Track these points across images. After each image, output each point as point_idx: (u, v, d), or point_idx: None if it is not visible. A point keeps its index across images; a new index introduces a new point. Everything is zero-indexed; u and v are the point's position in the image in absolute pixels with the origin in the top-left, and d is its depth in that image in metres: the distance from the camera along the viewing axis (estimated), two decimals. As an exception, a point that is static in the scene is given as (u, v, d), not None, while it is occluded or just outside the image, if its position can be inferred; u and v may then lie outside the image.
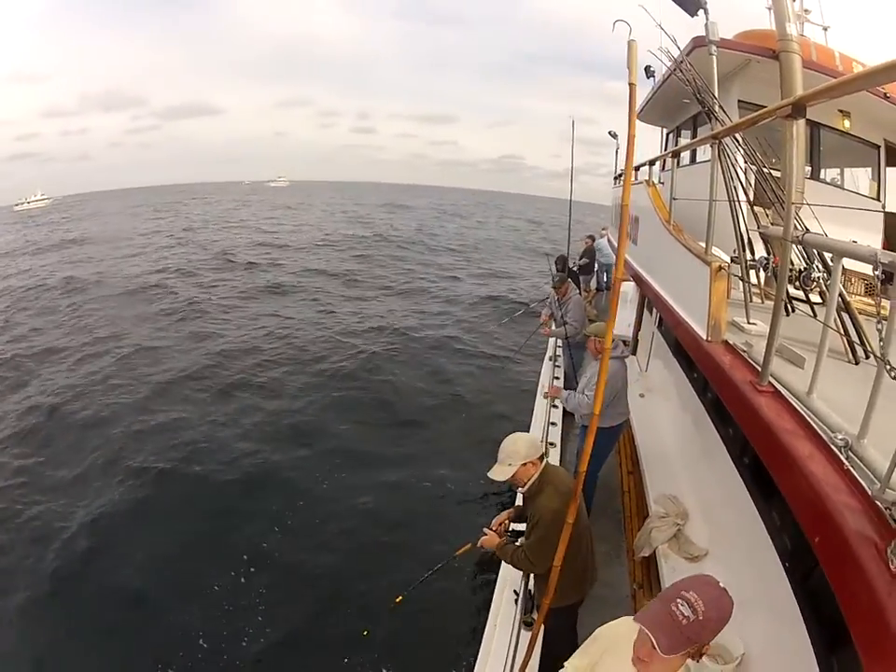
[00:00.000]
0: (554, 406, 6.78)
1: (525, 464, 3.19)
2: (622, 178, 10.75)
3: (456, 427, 9.62)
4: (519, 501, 3.93)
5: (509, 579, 4.16)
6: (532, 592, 3.79)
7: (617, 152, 13.69)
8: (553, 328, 7.68)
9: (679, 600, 1.64)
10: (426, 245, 34.72)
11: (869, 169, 6.33)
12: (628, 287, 10.45)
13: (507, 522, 3.71)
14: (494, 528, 3.61)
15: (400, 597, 4.10)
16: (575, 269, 12.74)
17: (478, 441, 8.56)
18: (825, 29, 6.17)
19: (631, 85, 2.37)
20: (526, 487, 3.26)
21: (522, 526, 3.51)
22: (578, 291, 8.05)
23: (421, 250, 32.88)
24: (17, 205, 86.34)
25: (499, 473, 3.21)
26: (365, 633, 4.66)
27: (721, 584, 1.71)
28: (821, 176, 6.01)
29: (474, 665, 3.60)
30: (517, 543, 3.46)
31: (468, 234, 44.17)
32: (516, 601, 3.85)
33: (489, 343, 14.53)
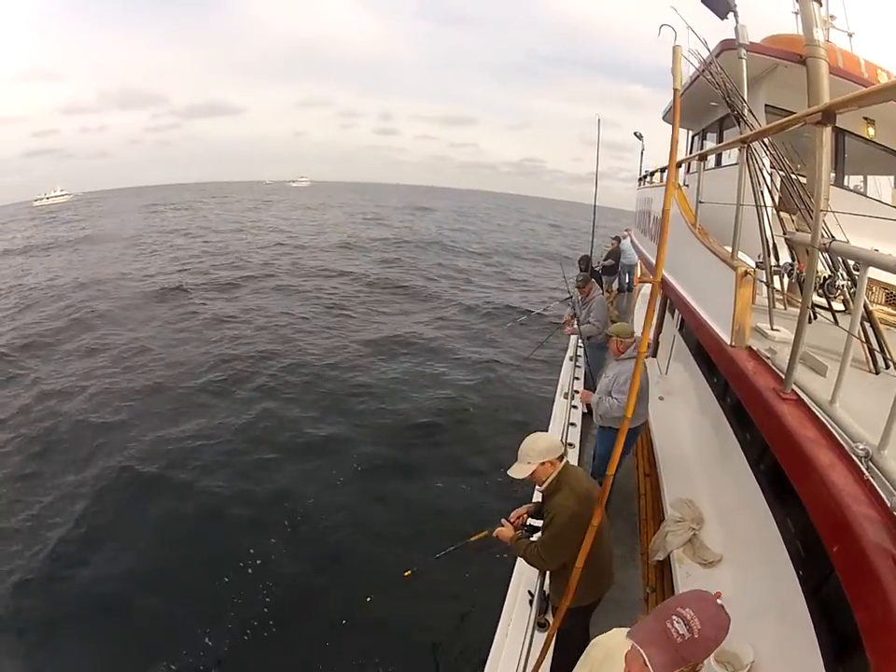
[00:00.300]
0: (574, 407, 6.77)
1: (543, 463, 3.25)
2: (646, 180, 10.67)
3: (469, 433, 9.76)
4: (537, 498, 3.96)
5: (523, 578, 4.16)
6: (547, 593, 3.80)
7: (642, 153, 13.59)
8: (576, 327, 7.67)
9: (674, 617, 1.60)
10: (444, 247, 35.01)
11: (892, 177, 6.30)
12: (650, 289, 10.38)
13: (525, 516, 3.75)
14: (512, 521, 3.66)
15: (409, 572, 4.16)
16: (598, 269, 12.70)
17: (495, 447, 8.85)
18: (850, 35, 6.09)
19: (675, 90, 2.35)
20: (545, 486, 3.31)
21: (539, 523, 3.55)
22: (601, 291, 8.04)
23: (438, 251, 33.21)
24: (36, 201, 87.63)
25: (518, 471, 3.27)
26: (368, 599, 4.72)
27: (718, 601, 1.66)
28: (845, 183, 5.93)
29: (485, 664, 3.61)
30: (532, 539, 3.49)
31: (486, 237, 44.34)
32: (531, 602, 3.85)
33: (502, 350, 14.57)
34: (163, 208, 66.47)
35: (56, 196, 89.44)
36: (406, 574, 4.15)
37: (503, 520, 3.66)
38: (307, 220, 50.92)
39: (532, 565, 3.46)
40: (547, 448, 3.29)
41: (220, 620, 5.65)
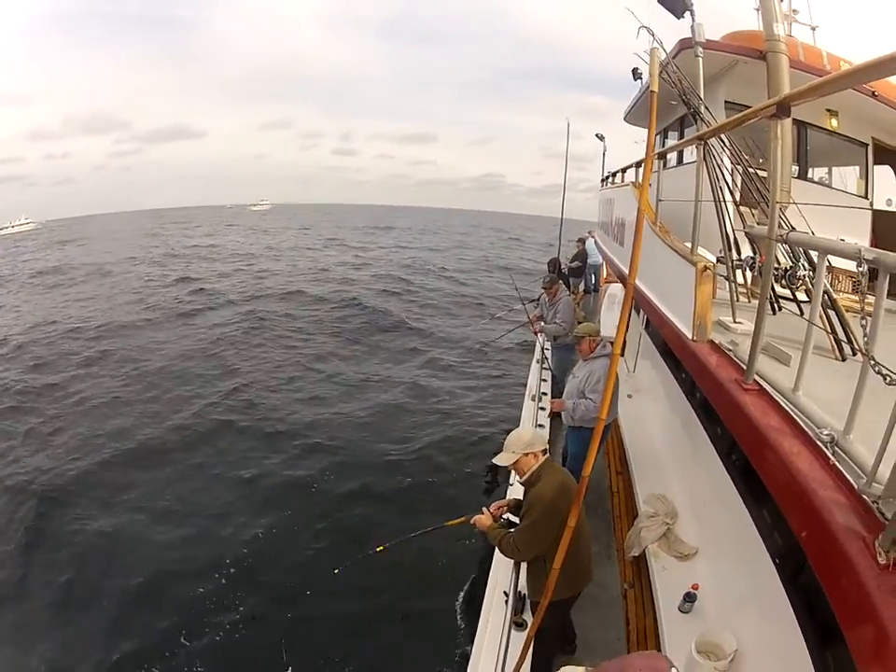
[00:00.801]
0: (542, 408, 6.78)
1: (527, 454, 3.37)
2: (608, 181, 10.79)
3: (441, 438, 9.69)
4: (520, 496, 3.99)
5: (499, 580, 4.15)
6: (522, 592, 3.80)
7: (604, 154, 13.77)
8: (542, 325, 7.70)
9: None
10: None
11: (857, 167, 6.35)
12: (616, 290, 10.47)
13: (504, 508, 3.77)
14: (492, 510, 3.68)
15: (382, 547, 4.14)
16: (565, 271, 12.78)
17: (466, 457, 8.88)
18: (813, 29, 6.20)
19: (652, 93, 2.35)
20: (525, 477, 3.41)
21: (517, 519, 3.59)
22: (568, 293, 8.07)
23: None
24: (1, 230, 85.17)
25: (503, 459, 3.42)
26: (335, 571, 4.72)
27: (672, 668, 1.49)
28: (809, 176, 6.04)
29: (467, 666, 3.60)
30: (508, 531, 3.51)
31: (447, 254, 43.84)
32: (506, 602, 3.85)
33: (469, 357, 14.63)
34: (129, 235, 62.48)
35: (21, 224, 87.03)
36: (379, 549, 4.17)
37: (483, 508, 3.69)
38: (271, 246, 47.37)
39: (506, 555, 3.49)
40: (531, 440, 3.42)
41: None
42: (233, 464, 8.77)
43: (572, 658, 3.87)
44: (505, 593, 3.93)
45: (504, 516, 3.77)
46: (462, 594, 5.82)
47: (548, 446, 3.63)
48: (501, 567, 4.17)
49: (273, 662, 5.09)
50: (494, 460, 3.50)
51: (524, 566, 3.69)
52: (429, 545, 5.87)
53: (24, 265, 35.67)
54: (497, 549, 3.58)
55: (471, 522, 3.67)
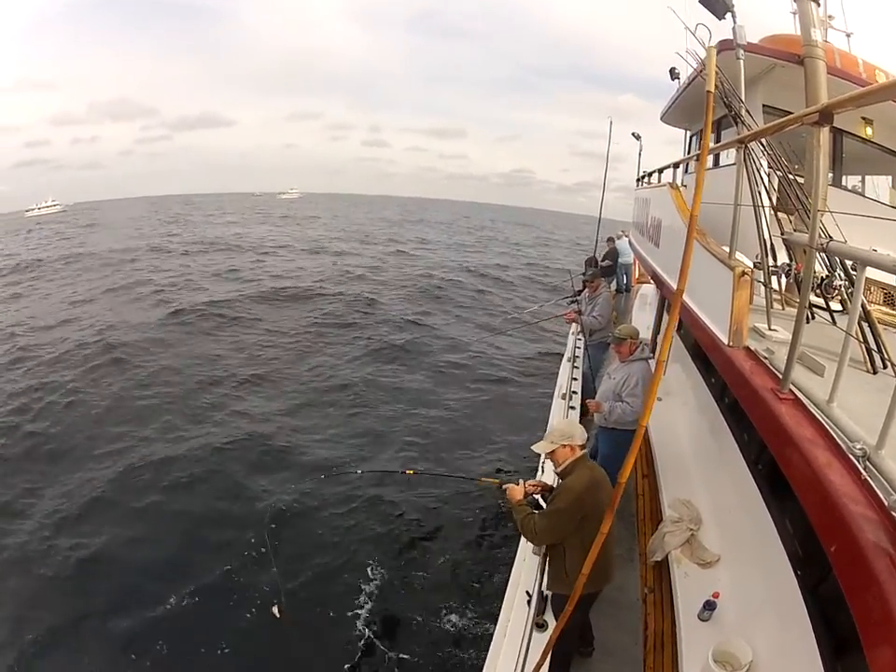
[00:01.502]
0: (572, 408, 6.75)
1: (564, 446, 3.42)
2: (644, 180, 10.67)
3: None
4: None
5: (521, 580, 4.16)
6: (545, 593, 3.80)
7: (640, 153, 13.60)
8: (578, 317, 7.73)
9: None
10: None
11: (890, 177, 6.28)
12: (648, 290, 10.36)
13: (539, 489, 3.79)
14: (526, 485, 3.71)
15: (413, 471, 4.29)
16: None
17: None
18: (848, 35, 6.09)
19: (708, 93, 2.31)
20: (561, 468, 3.46)
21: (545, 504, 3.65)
22: (608, 289, 8.16)
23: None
24: (28, 211, 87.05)
25: (541, 447, 3.50)
26: (359, 472, 5.13)
27: None
28: (843, 183, 5.92)
29: (483, 663, 3.61)
30: (532, 511, 3.55)
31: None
32: (528, 602, 3.85)
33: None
34: (157, 221, 63.53)
35: (48, 207, 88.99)
36: (410, 472, 4.54)
37: (520, 480, 3.75)
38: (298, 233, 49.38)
39: (524, 534, 3.54)
40: (570, 432, 3.47)
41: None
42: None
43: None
44: (528, 593, 3.93)
45: (535, 495, 3.80)
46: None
47: (586, 441, 3.62)
48: (525, 566, 4.18)
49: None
50: (533, 447, 3.57)
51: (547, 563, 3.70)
52: (454, 491, 6.61)
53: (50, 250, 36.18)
54: (519, 529, 3.58)
55: (504, 488, 3.72)
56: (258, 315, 18.20)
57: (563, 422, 3.74)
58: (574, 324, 8.29)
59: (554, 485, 3.68)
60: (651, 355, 5.36)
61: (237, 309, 18.78)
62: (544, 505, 3.68)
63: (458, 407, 11.31)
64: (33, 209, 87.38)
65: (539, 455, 4.45)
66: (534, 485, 3.77)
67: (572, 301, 8.82)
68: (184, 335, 15.86)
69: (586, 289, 7.85)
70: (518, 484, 3.67)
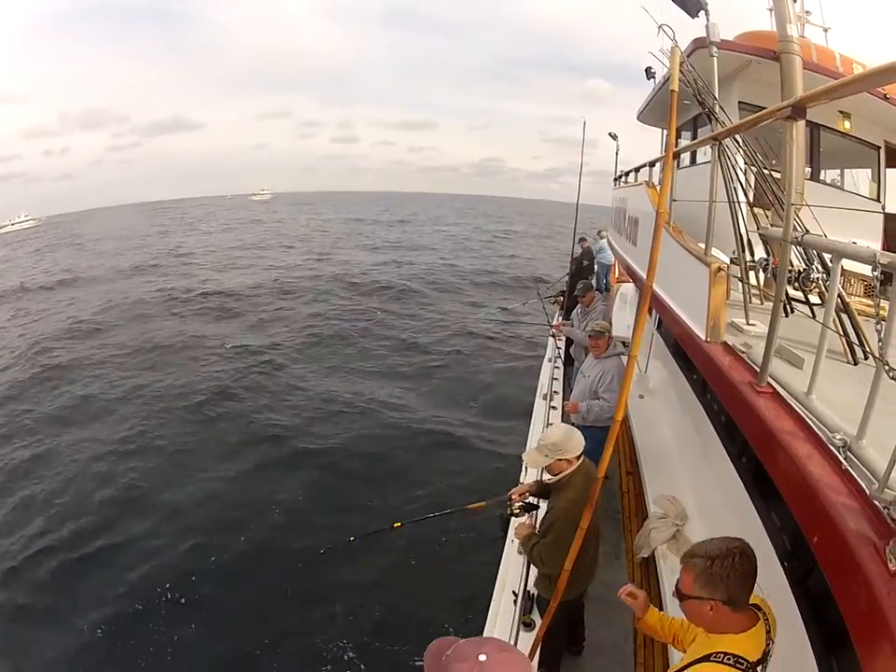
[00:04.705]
0: (553, 408, 6.77)
1: (560, 459, 3.33)
2: (621, 180, 10.72)
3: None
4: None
5: (508, 580, 4.16)
6: (532, 592, 3.81)
7: (617, 154, 13.63)
8: (568, 329, 7.65)
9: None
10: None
11: (869, 170, 6.32)
12: (627, 289, 10.41)
13: (527, 493, 3.78)
14: (515, 497, 3.71)
15: (400, 524, 4.20)
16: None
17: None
18: (826, 30, 6.15)
19: (672, 92, 2.32)
20: (556, 480, 3.39)
21: (540, 501, 3.70)
22: (603, 300, 7.95)
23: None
24: (1, 228, 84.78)
25: (533, 460, 3.41)
26: (351, 540, 4.91)
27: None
28: (821, 178, 6.00)
29: None
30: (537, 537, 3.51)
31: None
32: (515, 601, 3.85)
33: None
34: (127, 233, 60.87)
35: (21, 222, 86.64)
36: (396, 525, 4.32)
37: (511, 494, 3.74)
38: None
39: (533, 563, 3.52)
40: (565, 446, 3.36)
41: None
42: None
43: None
44: (514, 592, 3.93)
45: (527, 500, 3.79)
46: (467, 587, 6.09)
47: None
48: (510, 567, 4.18)
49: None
50: (524, 458, 3.54)
51: (533, 566, 3.71)
52: (444, 528, 6.58)
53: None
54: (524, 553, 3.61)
55: (513, 532, 3.80)
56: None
57: (557, 432, 3.44)
58: (552, 338, 8.19)
59: (546, 482, 3.65)
60: (625, 350, 5.39)
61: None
62: (533, 501, 3.69)
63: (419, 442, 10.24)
64: (6, 225, 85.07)
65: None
66: (521, 493, 3.75)
67: (557, 304, 8.82)
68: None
69: (578, 305, 7.60)
70: (513, 500, 3.67)
